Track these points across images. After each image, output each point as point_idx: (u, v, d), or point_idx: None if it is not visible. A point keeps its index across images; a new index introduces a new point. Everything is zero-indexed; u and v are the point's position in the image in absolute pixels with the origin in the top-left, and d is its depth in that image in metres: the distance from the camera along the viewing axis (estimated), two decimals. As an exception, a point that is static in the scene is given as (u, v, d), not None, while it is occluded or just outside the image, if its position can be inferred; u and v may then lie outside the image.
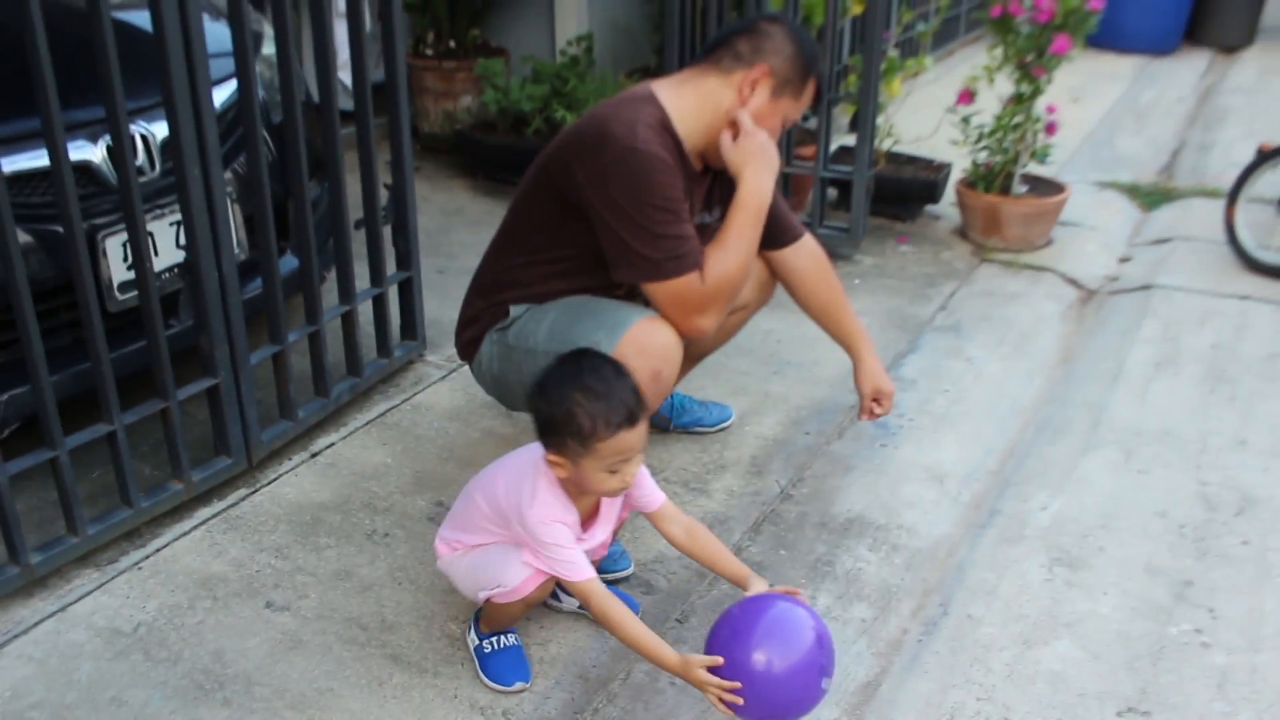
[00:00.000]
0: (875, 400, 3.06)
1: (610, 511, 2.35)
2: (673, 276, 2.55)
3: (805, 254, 2.99)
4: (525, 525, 2.19)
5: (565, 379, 2.13)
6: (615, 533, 2.47)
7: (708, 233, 2.75)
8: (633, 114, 2.57)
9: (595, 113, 2.63)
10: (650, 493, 2.34)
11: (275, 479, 3.04)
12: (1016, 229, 4.63)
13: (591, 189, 2.53)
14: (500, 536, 2.30)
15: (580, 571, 2.18)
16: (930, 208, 5.01)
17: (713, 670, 2.06)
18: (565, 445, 2.12)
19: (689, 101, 2.63)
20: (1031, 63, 4.37)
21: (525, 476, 2.23)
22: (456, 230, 4.76)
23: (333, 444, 3.21)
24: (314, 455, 3.15)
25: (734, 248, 2.62)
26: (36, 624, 2.50)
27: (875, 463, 3.20)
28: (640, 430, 2.14)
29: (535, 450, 2.25)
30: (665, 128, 2.59)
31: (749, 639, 2.07)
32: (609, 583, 2.57)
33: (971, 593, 2.67)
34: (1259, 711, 2.31)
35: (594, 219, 2.57)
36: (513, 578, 2.24)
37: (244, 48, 2.78)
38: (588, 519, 2.31)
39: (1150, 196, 5.43)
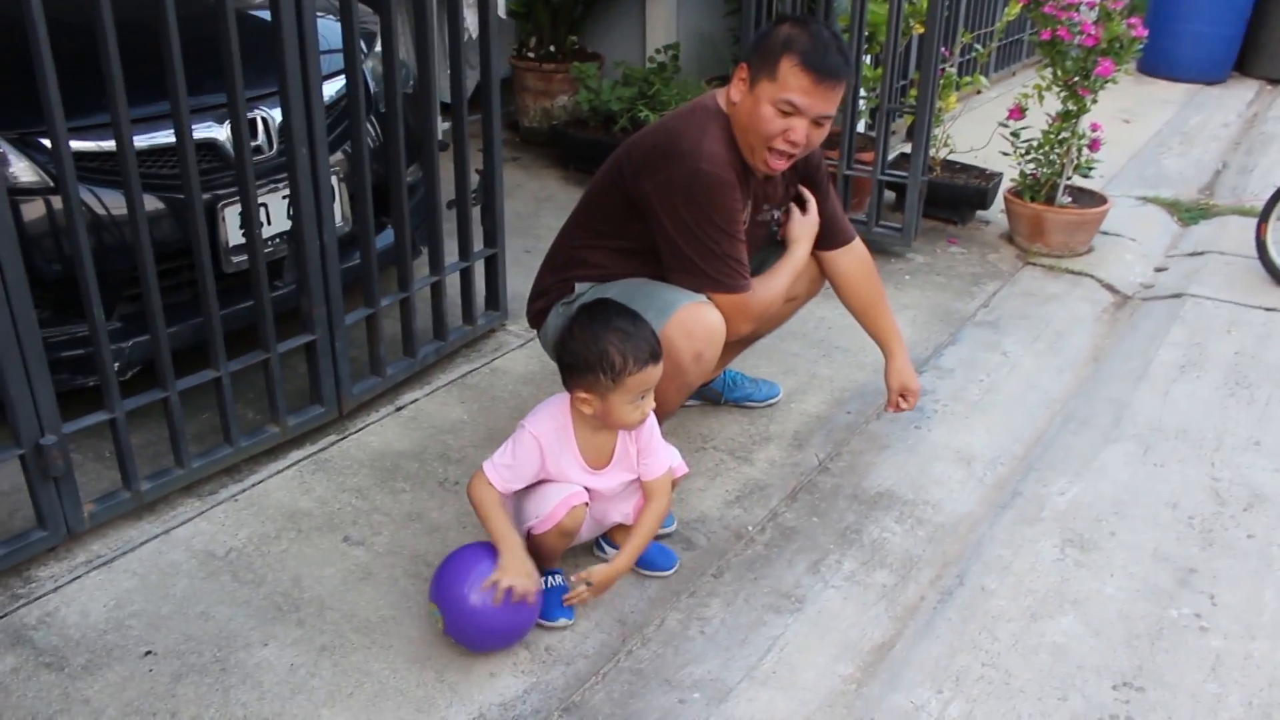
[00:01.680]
0: (902, 395, 3.00)
1: (623, 463, 2.36)
2: (722, 292, 2.57)
3: (853, 257, 2.94)
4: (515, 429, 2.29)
5: (596, 322, 2.21)
6: (640, 515, 2.41)
7: (765, 228, 2.80)
8: (700, 129, 2.52)
9: (666, 125, 2.59)
10: (656, 459, 2.39)
11: (362, 428, 3.04)
12: (1059, 236, 4.48)
13: (658, 200, 2.51)
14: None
15: (495, 474, 2.24)
16: (981, 213, 4.86)
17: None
18: (597, 382, 2.19)
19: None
20: (1078, 83, 4.22)
21: (547, 404, 2.33)
22: (545, 215, 4.74)
23: (416, 400, 3.20)
24: (399, 409, 3.15)
25: (777, 286, 2.74)
26: (142, 544, 2.53)
27: (909, 443, 3.11)
28: (661, 367, 2.23)
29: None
30: (731, 140, 2.55)
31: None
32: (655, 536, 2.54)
33: (987, 567, 2.58)
34: (1249, 694, 2.21)
35: (654, 225, 2.55)
36: (545, 508, 2.27)
37: (352, 47, 2.78)
38: (601, 464, 2.34)
39: (1189, 212, 5.22)
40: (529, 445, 2.26)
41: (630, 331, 2.19)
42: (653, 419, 2.35)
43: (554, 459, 2.28)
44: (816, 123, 2.51)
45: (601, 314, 2.23)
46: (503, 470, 2.25)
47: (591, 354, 2.17)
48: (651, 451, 2.37)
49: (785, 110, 2.47)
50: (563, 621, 2.33)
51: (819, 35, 2.46)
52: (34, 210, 2.59)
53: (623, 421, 2.25)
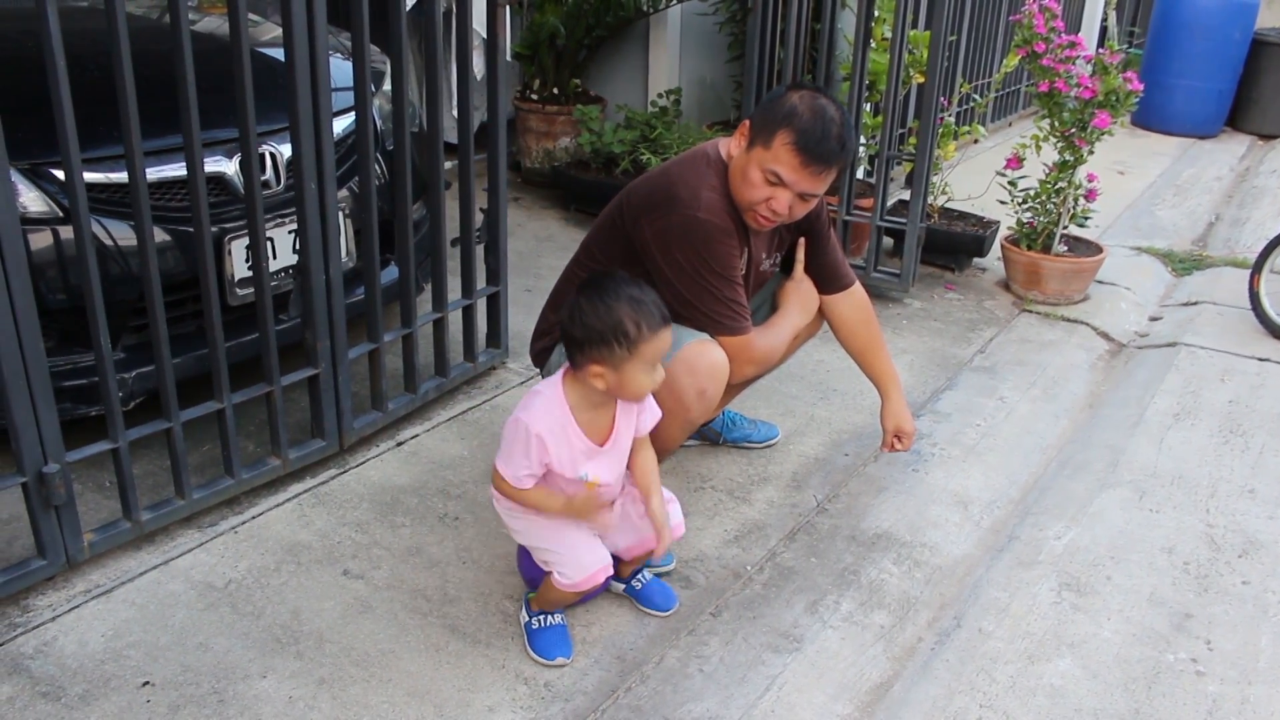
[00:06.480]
0: (897, 437, 3.00)
1: (625, 425, 2.29)
2: (724, 334, 2.59)
3: (852, 301, 2.96)
4: (509, 421, 2.22)
5: (606, 294, 2.13)
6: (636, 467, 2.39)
7: (763, 277, 2.83)
8: (699, 177, 2.55)
9: (667, 171, 2.61)
10: (652, 411, 2.36)
11: (363, 462, 3.04)
12: (1055, 284, 4.52)
13: (656, 245, 2.54)
14: None
15: (518, 482, 2.21)
16: (978, 260, 4.91)
17: None
18: (611, 354, 2.11)
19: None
20: (1075, 134, 4.27)
21: (539, 396, 2.23)
22: (546, 254, 4.77)
23: (417, 435, 3.21)
24: (399, 444, 3.15)
25: (779, 336, 2.80)
26: (141, 574, 2.52)
27: (906, 485, 3.12)
28: (670, 329, 2.18)
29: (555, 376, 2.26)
30: (728, 189, 2.58)
31: None
32: (657, 574, 2.55)
33: (984, 609, 2.58)
34: (1246, 739, 2.21)
35: (653, 269, 2.56)
36: (570, 567, 2.25)
37: (362, 86, 2.82)
38: (604, 438, 2.26)
39: (1183, 263, 5.27)
40: (535, 444, 2.18)
41: (640, 298, 2.12)
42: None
43: (558, 448, 2.21)
44: (803, 197, 2.53)
45: (610, 285, 2.15)
46: (525, 480, 2.21)
47: (605, 325, 2.10)
48: (646, 408, 2.34)
49: (771, 180, 2.49)
50: (560, 660, 2.32)
51: (822, 116, 2.44)
52: (42, 240, 2.61)
53: (638, 391, 2.19)
